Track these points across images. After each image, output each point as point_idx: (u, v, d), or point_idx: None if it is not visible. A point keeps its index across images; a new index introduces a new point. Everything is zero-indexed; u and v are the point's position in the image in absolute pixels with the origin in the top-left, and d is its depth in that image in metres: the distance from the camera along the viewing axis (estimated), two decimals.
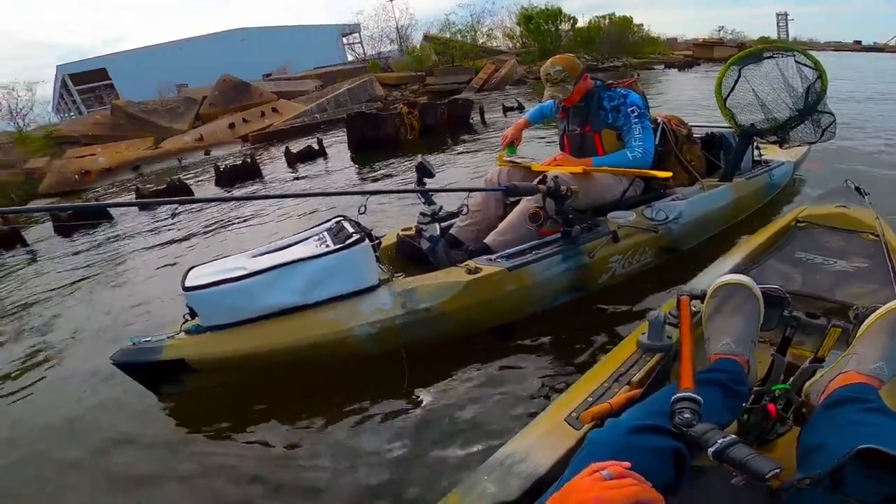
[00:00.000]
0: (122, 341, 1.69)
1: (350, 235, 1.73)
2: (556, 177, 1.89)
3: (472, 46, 19.92)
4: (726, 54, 15.19)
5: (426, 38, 21.44)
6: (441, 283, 1.73)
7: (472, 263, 1.81)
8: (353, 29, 27.37)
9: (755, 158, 3.01)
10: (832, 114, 2.68)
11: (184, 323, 1.71)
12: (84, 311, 3.02)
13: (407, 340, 1.69)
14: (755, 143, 2.96)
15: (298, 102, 13.20)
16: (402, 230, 2.29)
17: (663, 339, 1.19)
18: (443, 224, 2.30)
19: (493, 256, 1.88)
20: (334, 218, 2.04)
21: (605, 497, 0.58)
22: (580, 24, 21.66)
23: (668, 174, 2.09)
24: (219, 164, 7.19)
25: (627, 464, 0.64)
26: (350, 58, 25.76)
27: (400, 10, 29.01)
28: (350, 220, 1.93)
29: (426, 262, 2.03)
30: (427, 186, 2.09)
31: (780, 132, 2.75)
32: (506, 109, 9.40)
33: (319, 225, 2.05)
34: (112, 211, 5.48)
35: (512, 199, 2.45)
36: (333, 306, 1.67)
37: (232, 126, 11.67)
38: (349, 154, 7.43)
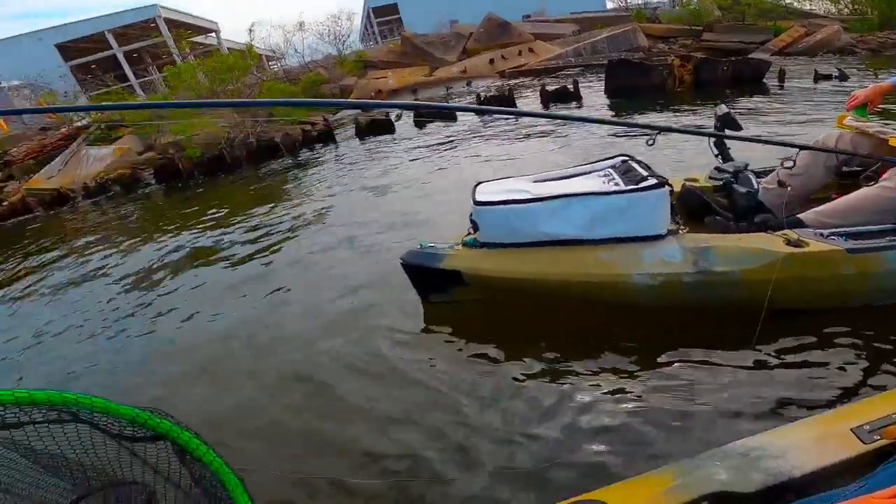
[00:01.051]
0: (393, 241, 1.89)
1: (644, 178, 1.64)
2: None
3: (772, 5, 15.91)
4: None
5: None
6: (749, 248, 1.51)
7: (792, 234, 1.52)
8: None
9: None
10: None
11: (466, 235, 1.83)
12: (364, 202, 3.72)
13: (688, 300, 1.57)
14: None
15: (554, 45, 13.02)
16: (688, 180, 2.08)
17: None
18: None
19: (823, 232, 1.53)
20: (618, 156, 1.96)
21: None
22: None
23: None
24: (479, 93, 7.71)
25: None
26: (610, 5, 23.52)
27: None
28: (638, 161, 1.82)
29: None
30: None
31: None
32: (819, 77, 7.30)
33: (602, 161, 1.99)
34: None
35: (848, 170, 1.95)
36: (613, 247, 1.62)
37: (491, 62, 12.30)
38: (605, 99, 7.07)
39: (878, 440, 0.89)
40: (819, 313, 1.57)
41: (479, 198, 1.76)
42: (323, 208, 3.89)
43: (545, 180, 1.96)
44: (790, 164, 1.75)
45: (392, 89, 10.82)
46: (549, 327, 1.76)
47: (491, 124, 6.24)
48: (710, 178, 1.91)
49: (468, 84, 11.09)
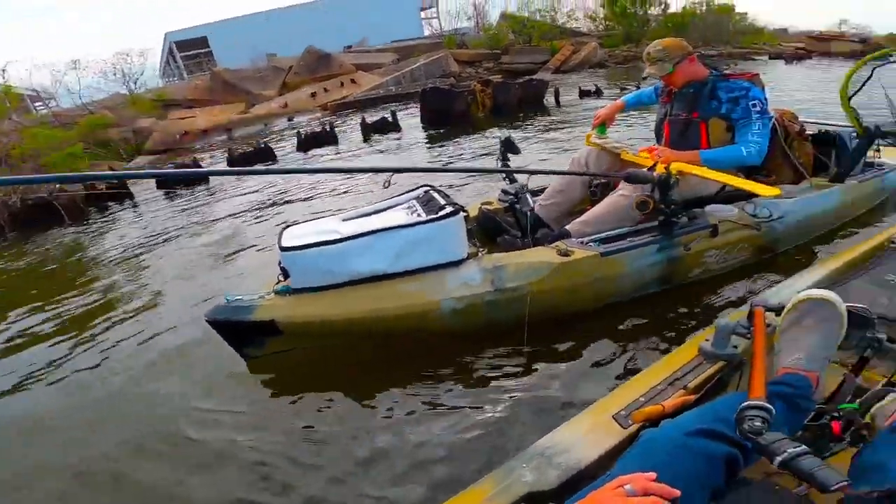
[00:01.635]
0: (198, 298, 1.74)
1: (443, 206, 1.75)
2: (667, 167, 1.80)
3: (550, 27, 19.13)
4: (846, 49, 13.82)
5: (503, 16, 20.85)
6: (531, 262, 1.71)
7: (562, 245, 1.77)
8: (432, 3, 27.17)
9: (866, 160, 2.73)
10: None
11: (276, 283, 1.74)
12: (177, 265, 3.27)
13: (491, 320, 1.69)
14: (875, 146, 2.68)
15: (375, 75, 13.54)
16: (483, 204, 2.27)
17: (728, 349, 1.14)
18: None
19: (584, 240, 1.83)
20: (421, 187, 2.05)
21: None
22: (673, 9, 20.09)
23: (774, 191, 1.88)
24: (300, 130, 7.53)
25: (653, 475, 0.64)
26: (427, 32, 25.67)
27: None
28: (438, 191, 1.94)
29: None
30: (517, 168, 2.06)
31: None
32: (582, 93, 9.04)
33: (406, 193, 2.07)
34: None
35: (597, 183, 2.37)
36: (420, 277, 1.68)
37: (314, 95, 12.19)
38: (422, 127, 7.51)
39: (632, 424, 0.99)
40: (576, 316, 1.82)
41: (286, 243, 1.69)
42: (118, 274, 3.31)
43: (354, 218, 1.97)
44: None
45: (201, 129, 9.89)
46: (368, 365, 1.77)
47: (309, 162, 6.12)
48: (500, 200, 2.14)
49: (290, 119, 10.77)
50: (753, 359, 0.98)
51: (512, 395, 1.54)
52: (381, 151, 6.11)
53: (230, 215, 4.37)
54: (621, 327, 1.81)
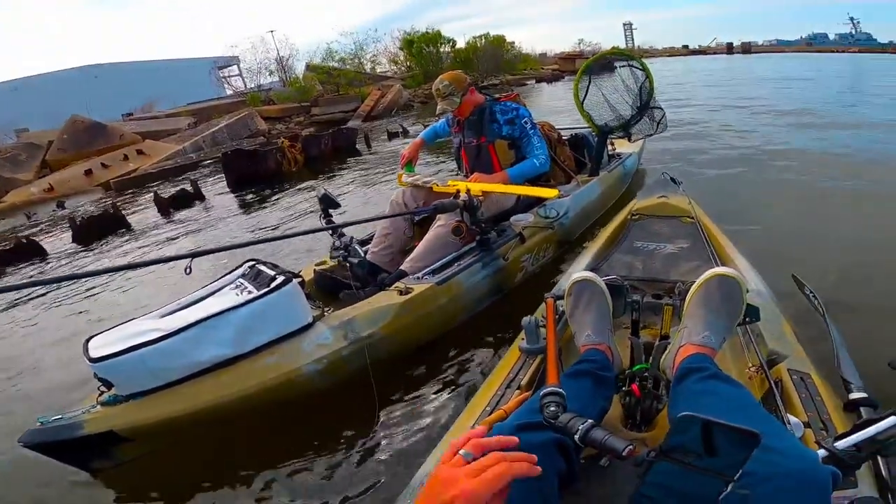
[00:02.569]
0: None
1: (273, 278, 1.70)
2: (468, 190, 2.04)
3: (356, 74, 19.62)
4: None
5: (309, 67, 20.72)
6: (377, 308, 1.78)
7: (401, 285, 1.88)
8: (230, 62, 25.62)
9: (609, 153, 3.51)
10: (662, 108, 3.23)
11: (99, 395, 1.56)
12: None
13: (354, 369, 1.71)
14: (610, 139, 3.42)
15: (169, 142, 12.18)
16: (317, 265, 2.27)
17: (540, 341, 1.23)
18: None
19: (419, 275, 1.96)
20: (246, 263, 1.96)
21: (473, 492, 0.50)
22: (459, 45, 22.61)
23: (555, 192, 2.30)
24: (74, 216, 6.27)
25: (483, 429, 0.63)
26: (229, 92, 24.00)
27: (279, 41, 27.95)
28: (265, 263, 1.88)
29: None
30: (339, 222, 2.11)
31: (626, 128, 3.23)
32: (390, 135, 9.62)
33: (230, 273, 1.96)
34: None
35: (419, 219, 2.56)
36: (273, 350, 1.63)
37: (89, 172, 10.36)
38: (230, 193, 6.97)
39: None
40: (421, 350, 1.94)
41: (94, 354, 1.50)
42: None
43: (175, 311, 1.79)
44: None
45: None
46: (224, 451, 1.66)
47: (103, 251, 5.18)
48: (332, 257, 2.16)
49: (60, 206, 8.85)
50: (548, 348, 1.05)
51: (378, 443, 1.58)
52: (185, 228, 5.46)
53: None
54: (464, 348, 1.97)
